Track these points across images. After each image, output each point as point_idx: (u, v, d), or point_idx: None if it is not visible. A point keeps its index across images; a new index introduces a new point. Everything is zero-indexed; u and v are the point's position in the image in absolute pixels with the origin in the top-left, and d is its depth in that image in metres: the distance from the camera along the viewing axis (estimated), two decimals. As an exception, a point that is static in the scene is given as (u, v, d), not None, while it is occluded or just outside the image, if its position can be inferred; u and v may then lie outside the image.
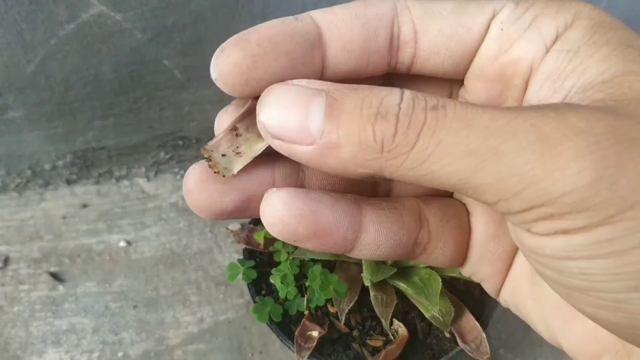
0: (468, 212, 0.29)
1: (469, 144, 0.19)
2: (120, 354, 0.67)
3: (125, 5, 0.57)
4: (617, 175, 0.18)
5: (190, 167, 0.25)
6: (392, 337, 0.55)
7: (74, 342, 0.68)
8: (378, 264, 0.53)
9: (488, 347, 0.52)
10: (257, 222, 0.60)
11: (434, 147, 0.19)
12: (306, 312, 0.54)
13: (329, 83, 0.22)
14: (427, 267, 0.53)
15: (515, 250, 0.29)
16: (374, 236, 0.25)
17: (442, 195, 0.29)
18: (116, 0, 0.56)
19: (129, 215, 0.78)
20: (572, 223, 0.18)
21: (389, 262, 0.54)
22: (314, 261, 0.55)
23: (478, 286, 0.59)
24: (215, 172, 0.24)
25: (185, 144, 0.78)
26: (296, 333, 0.52)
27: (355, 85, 0.21)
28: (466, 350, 0.52)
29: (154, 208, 0.79)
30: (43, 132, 0.70)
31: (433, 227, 0.28)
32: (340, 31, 0.24)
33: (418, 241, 0.27)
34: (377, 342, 0.55)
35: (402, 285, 0.52)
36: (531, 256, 0.22)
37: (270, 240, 0.58)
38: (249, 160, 0.25)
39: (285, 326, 0.55)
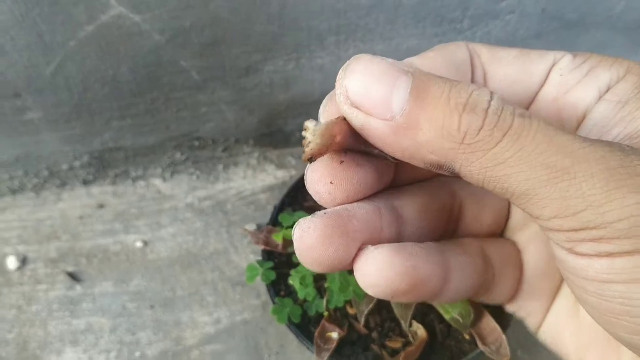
0: (519, 251, 0.30)
1: (548, 158, 0.20)
2: (137, 354, 0.67)
3: (144, 7, 0.57)
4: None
5: (303, 222, 0.24)
6: (411, 339, 0.54)
7: (92, 341, 0.68)
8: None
9: (508, 349, 0.52)
10: (275, 223, 0.60)
11: (515, 151, 0.20)
12: (325, 314, 0.54)
13: (415, 67, 0.22)
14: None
15: (559, 287, 0.30)
16: (457, 283, 0.27)
17: (494, 235, 0.30)
18: (135, 2, 0.56)
19: (145, 215, 0.78)
20: (617, 247, 0.20)
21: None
22: (333, 262, 0.55)
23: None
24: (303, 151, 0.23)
25: (201, 145, 0.79)
26: (316, 334, 0.52)
27: (440, 75, 0.22)
28: (486, 353, 0.52)
29: (170, 208, 0.79)
30: (61, 132, 0.70)
31: (496, 268, 0.29)
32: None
33: (485, 283, 0.28)
34: (396, 344, 0.55)
35: (421, 287, 0.52)
36: (573, 280, 0.23)
37: (288, 241, 0.58)
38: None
39: (304, 327, 0.55)
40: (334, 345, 0.52)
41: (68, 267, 0.74)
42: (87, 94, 0.66)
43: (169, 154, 0.79)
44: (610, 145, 0.20)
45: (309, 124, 0.23)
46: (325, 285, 0.54)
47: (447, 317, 0.53)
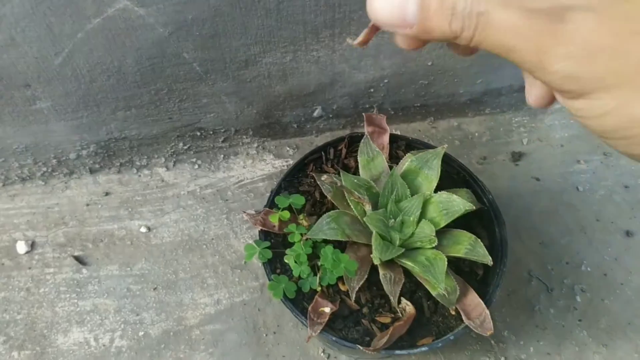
0: None
1: (501, 40, 0.28)
2: (141, 333, 0.70)
3: (149, 1, 0.60)
4: (589, 66, 0.26)
5: None
6: (400, 314, 0.57)
7: (97, 321, 0.71)
8: (387, 245, 0.55)
9: (492, 324, 0.55)
10: (271, 205, 0.63)
11: (483, 38, 0.28)
12: (319, 290, 0.57)
13: None
14: (433, 247, 0.56)
15: None
16: None
17: None
18: (140, -4, 0.59)
19: (149, 202, 0.81)
20: (561, 96, 0.29)
21: (397, 242, 0.56)
22: (326, 242, 0.58)
23: (482, 267, 0.61)
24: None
25: (203, 135, 0.82)
26: (309, 309, 0.55)
27: None
28: (471, 327, 0.55)
29: (172, 196, 0.82)
30: (69, 122, 0.73)
31: None
32: None
33: None
34: (385, 319, 0.57)
35: (409, 265, 0.55)
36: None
37: (284, 222, 0.61)
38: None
39: (299, 303, 0.58)
40: (326, 319, 0.55)
41: (75, 251, 0.77)
42: (94, 85, 0.69)
43: (172, 144, 0.82)
44: (544, 18, 0.26)
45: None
46: (319, 263, 0.57)
47: (434, 293, 0.56)
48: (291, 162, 0.85)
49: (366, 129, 0.66)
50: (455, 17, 0.28)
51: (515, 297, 0.74)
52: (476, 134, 0.91)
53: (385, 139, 0.66)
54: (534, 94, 0.34)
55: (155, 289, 0.74)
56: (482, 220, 0.64)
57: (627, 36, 0.25)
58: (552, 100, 0.34)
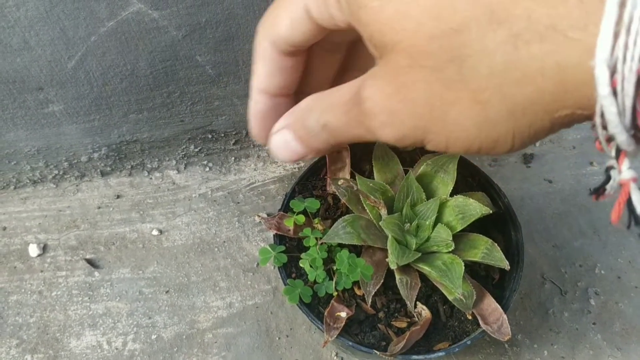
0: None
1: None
2: (153, 337, 0.70)
3: (162, 3, 0.60)
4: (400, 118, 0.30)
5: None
6: (416, 319, 0.57)
7: (110, 325, 0.71)
8: (403, 249, 0.55)
9: (509, 329, 0.54)
10: (286, 209, 0.63)
11: (332, 139, 0.36)
12: (335, 294, 0.57)
13: (288, 116, 0.38)
14: (449, 252, 0.55)
15: None
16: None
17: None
18: (154, -1, 0.59)
19: (161, 205, 0.81)
20: (409, 143, 0.32)
21: (413, 247, 0.56)
22: (341, 246, 0.58)
23: (498, 271, 0.61)
24: None
25: (214, 138, 0.82)
26: (325, 313, 0.55)
27: (290, 114, 0.38)
28: (488, 332, 0.54)
29: (184, 199, 0.82)
30: (81, 125, 0.73)
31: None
32: None
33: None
34: (401, 324, 0.57)
35: (426, 269, 0.54)
36: None
37: (299, 226, 0.61)
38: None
39: (314, 308, 0.57)
40: (342, 324, 0.55)
41: (87, 254, 0.77)
42: (107, 88, 0.68)
43: (183, 147, 0.82)
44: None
45: None
46: (334, 267, 0.57)
47: (450, 298, 0.55)
48: (302, 164, 0.85)
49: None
50: (316, 136, 0.35)
51: (528, 300, 0.74)
52: (487, 136, 0.91)
53: (346, 155, 0.66)
54: None
55: (167, 292, 0.74)
56: (497, 223, 0.64)
57: (407, 87, 0.28)
58: None
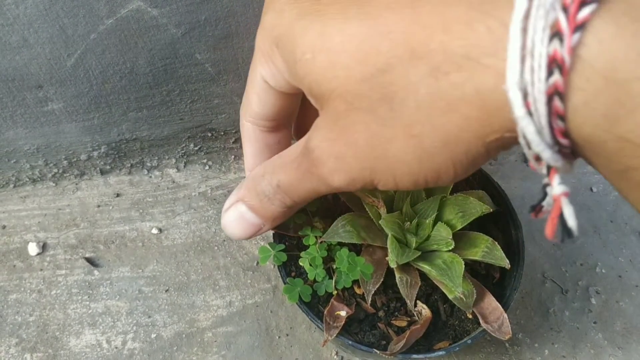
0: None
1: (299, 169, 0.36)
2: (153, 335, 0.70)
3: (162, 1, 0.60)
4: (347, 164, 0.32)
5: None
6: (416, 318, 0.57)
7: (110, 323, 0.71)
8: (403, 248, 0.55)
9: (510, 328, 0.54)
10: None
11: (287, 198, 0.38)
12: (334, 293, 0.57)
13: (238, 190, 0.40)
14: (450, 250, 0.55)
15: None
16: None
17: None
18: (153, -3, 0.59)
19: (160, 204, 0.81)
20: (358, 186, 0.34)
21: (413, 245, 0.56)
22: (341, 245, 0.58)
23: (498, 270, 0.61)
24: None
25: (214, 136, 0.81)
26: (325, 312, 0.55)
27: (239, 188, 0.41)
28: (489, 330, 0.54)
29: (183, 197, 0.82)
30: (80, 123, 0.73)
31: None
32: None
33: None
34: (401, 323, 0.57)
35: (426, 268, 0.54)
36: None
37: (299, 224, 0.61)
38: None
39: (314, 306, 0.57)
40: (342, 323, 0.55)
41: (86, 253, 0.77)
42: (106, 86, 0.68)
43: (182, 145, 0.82)
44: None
45: None
46: (334, 266, 0.56)
47: (451, 296, 0.55)
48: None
49: None
50: (272, 200, 0.37)
51: (529, 299, 0.73)
52: (488, 134, 0.90)
53: None
54: None
55: (167, 290, 0.74)
56: (498, 222, 0.64)
57: (347, 131, 0.30)
58: None
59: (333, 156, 0.31)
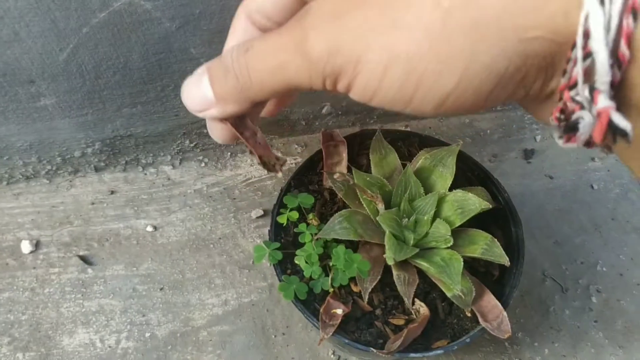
0: None
1: (269, 66, 0.28)
2: (147, 335, 0.69)
3: (155, -6, 0.59)
4: (340, 43, 0.25)
5: None
6: (414, 316, 0.56)
7: (103, 322, 0.70)
8: (401, 245, 0.54)
9: (509, 326, 0.53)
10: (281, 204, 0.61)
11: (258, 74, 0.29)
12: (331, 291, 0.56)
13: (215, 59, 0.32)
14: (448, 247, 0.54)
15: None
16: None
17: None
18: (146, -11, 0.58)
19: (155, 201, 0.80)
20: (344, 82, 0.27)
21: (411, 242, 0.55)
22: (338, 242, 0.57)
23: (497, 268, 0.60)
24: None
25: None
26: (321, 310, 0.54)
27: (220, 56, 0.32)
28: (488, 329, 0.53)
29: (179, 194, 0.81)
30: (73, 119, 0.72)
31: None
32: None
33: None
34: (399, 321, 0.56)
35: (424, 265, 0.53)
36: None
37: (293, 222, 0.60)
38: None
39: (310, 304, 0.56)
40: (338, 321, 0.54)
41: (80, 251, 0.76)
42: (99, 81, 0.67)
43: (178, 142, 0.81)
44: (293, 21, 0.28)
45: None
46: (331, 263, 0.55)
47: (449, 294, 0.54)
48: (299, 160, 0.83)
49: (322, 145, 0.64)
50: (229, 69, 0.30)
51: (529, 298, 0.72)
52: (487, 131, 0.89)
53: (343, 149, 0.65)
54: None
55: (161, 289, 0.72)
56: (497, 219, 0.63)
57: None
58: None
59: (327, 21, 0.25)
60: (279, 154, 0.37)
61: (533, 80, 0.24)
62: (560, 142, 0.25)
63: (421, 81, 0.24)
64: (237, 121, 0.33)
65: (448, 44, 0.23)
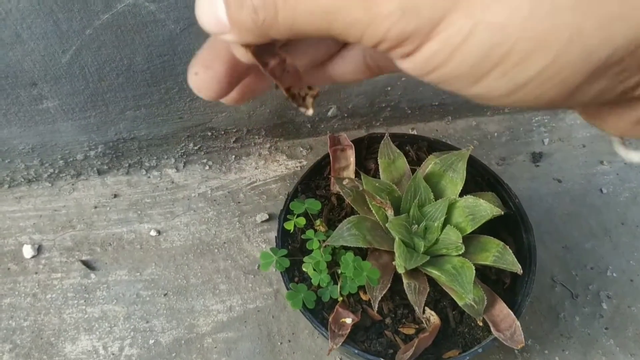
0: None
1: (315, 8, 0.21)
2: (151, 342, 0.68)
3: (160, -4, 0.57)
4: (419, 3, 0.20)
5: None
6: (424, 325, 0.55)
7: (106, 329, 0.69)
8: (411, 252, 0.53)
9: (522, 336, 0.52)
10: (288, 210, 0.60)
11: (293, 13, 0.22)
12: (339, 299, 0.55)
13: None
14: (459, 255, 0.53)
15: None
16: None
17: None
18: (151, -9, 0.57)
19: (159, 205, 0.79)
20: (406, 48, 0.21)
21: (421, 249, 0.54)
22: (346, 249, 0.56)
23: (509, 275, 0.59)
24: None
25: (214, 135, 0.79)
26: (330, 320, 0.53)
27: None
28: (500, 339, 0.52)
29: (183, 198, 0.79)
30: (76, 122, 0.71)
31: None
32: None
33: None
34: (409, 330, 0.55)
35: (435, 273, 0.52)
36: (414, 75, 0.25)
37: (300, 228, 0.59)
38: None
39: (318, 313, 0.55)
40: (348, 331, 0.53)
41: (83, 255, 0.75)
42: (103, 83, 0.66)
43: (182, 145, 0.79)
44: None
45: None
46: (339, 271, 0.54)
47: (461, 303, 0.53)
48: (304, 162, 0.82)
49: (329, 149, 0.63)
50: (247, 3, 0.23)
51: (539, 304, 0.71)
52: (495, 134, 0.88)
53: (350, 153, 0.63)
54: (349, 69, 0.31)
55: (165, 295, 0.71)
56: (507, 224, 0.61)
57: None
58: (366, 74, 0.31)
59: None
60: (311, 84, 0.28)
61: (628, 77, 0.21)
62: (635, 158, 0.24)
63: (507, 56, 0.20)
64: (260, 48, 0.27)
65: (551, 17, 0.19)
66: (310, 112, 0.28)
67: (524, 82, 0.21)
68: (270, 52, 0.28)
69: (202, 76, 0.28)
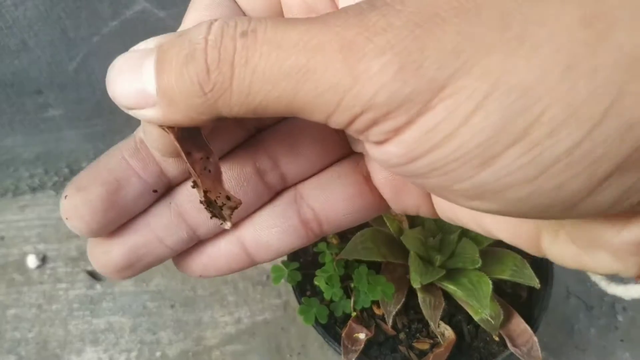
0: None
1: (282, 66, 0.17)
2: (158, 354, 0.67)
3: (169, 3, 0.56)
4: (420, 59, 0.16)
5: None
6: (439, 340, 0.53)
7: (112, 341, 0.68)
8: (426, 266, 0.52)
9: (540, 352, 0.51)
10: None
11: (251, 75, 0.17)
12: (353, 314, 0.53)
13: (172, 34, 0.20)
14: (476, 269, 0.52)
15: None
16: None
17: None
18: (160, -2, 0.56)
19: (165, 214, 0.78)
20: (395, 121, 0.17)
21: (437, 263, 0.52)
22: (359, 262, 0.54)
23: (526, 289, 0.57)
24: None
25: (221, 143, 0.78)
26: (343, 335, 0.51)
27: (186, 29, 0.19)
28: (517, 354, 0.51)
29: (189, 207, 0.78)
30: (82, 130, 0.70)
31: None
32: None
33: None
34: (424, 345, 0.54)
35: (451, 288, 0.51)
36: (390, 170, 0.21)
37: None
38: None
39: (331, 328, 0.54)
40: (361, 346, 0.51)
41: (88, 265, 0.73)
42: (109, 91, 0.65)
43: (189, 153, 0.79)
44: (345, 12, 0.17)
45: None
46: (352, 285, 0.53)
47: (476, 317, 0.52)
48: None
49: None
50: (196, 55, 0.18)
51: (552, 316, 0.70)
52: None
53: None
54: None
55: (172, 306, 0.70)
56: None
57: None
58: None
59: (406, 27, 0.16)
60: (232, 193, 0.23)
61: None
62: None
63: (533, 127, 0.15)
64: (186, 133, 0.22)
65: (590, 79, 0.15)
66: (228, 225, 0.23)
67: (550, 162, 0.16)
68: (195, 141, 0.22)
69: (72, 200, 0.23)
